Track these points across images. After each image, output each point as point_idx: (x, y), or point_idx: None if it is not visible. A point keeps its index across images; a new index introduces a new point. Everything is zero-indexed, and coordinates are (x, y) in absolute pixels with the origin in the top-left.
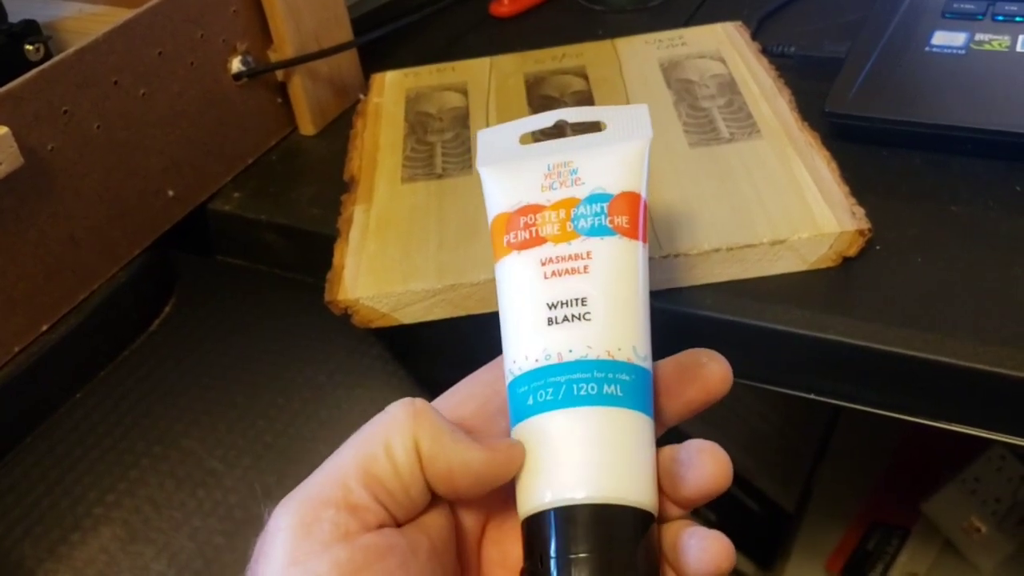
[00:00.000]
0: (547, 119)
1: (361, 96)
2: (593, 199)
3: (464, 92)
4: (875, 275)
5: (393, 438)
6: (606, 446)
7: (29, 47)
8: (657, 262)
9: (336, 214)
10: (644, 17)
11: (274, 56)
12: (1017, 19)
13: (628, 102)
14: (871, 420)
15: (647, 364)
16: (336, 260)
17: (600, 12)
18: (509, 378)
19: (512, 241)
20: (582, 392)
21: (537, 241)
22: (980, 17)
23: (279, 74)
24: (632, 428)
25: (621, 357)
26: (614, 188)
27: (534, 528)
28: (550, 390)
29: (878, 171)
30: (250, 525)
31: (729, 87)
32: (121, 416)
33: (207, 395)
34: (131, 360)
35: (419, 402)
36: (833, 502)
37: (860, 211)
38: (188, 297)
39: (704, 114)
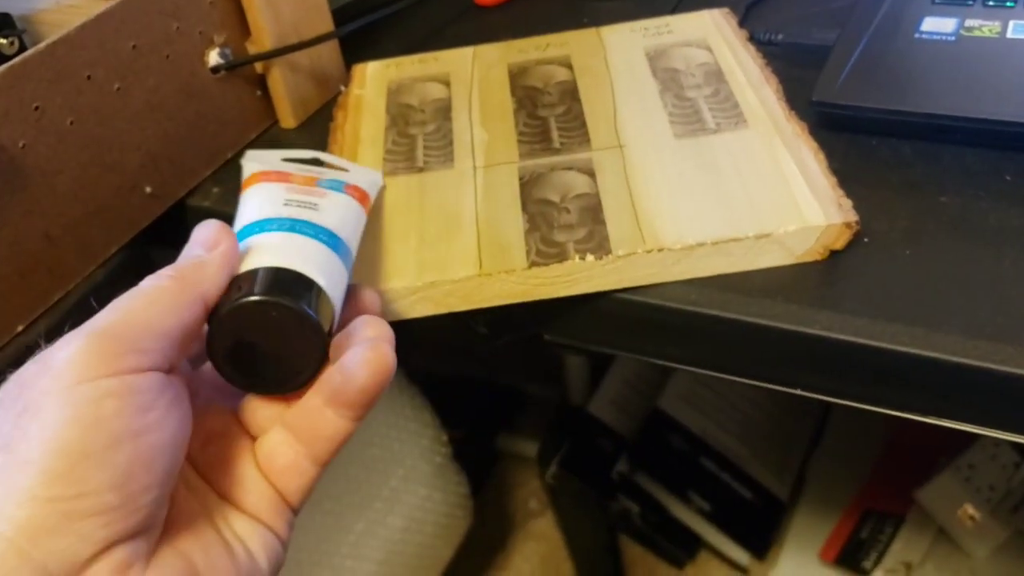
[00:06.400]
0: (307, 154)
1: (342, 88)
2: (333, 181)
3: (447, 83)
4: (863, 269)
5: (175, 300)
6: (291, 245)
7: (3, 40)
8: (641, 257)
9: None
10: (630, 5)
11: (252, 48)
12: (1008, 4)
13: (613, 92)
14: (864, 409)
15: (349, 252)
16: None
17: None
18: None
19: (262, 179)
20: (294, 224)
21: (286, 179)
22: (970, 3)
23: (258, 66)
24: (318, 248)
25: (332, 229)
26: (349, 180)
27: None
28: (269, 224)
29: (866, 161)
30: None
31: (716, 76)
32: None
33: None
34: None
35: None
36: (827, 490)
37: (847, 203)
38: None
39: (690, 104)
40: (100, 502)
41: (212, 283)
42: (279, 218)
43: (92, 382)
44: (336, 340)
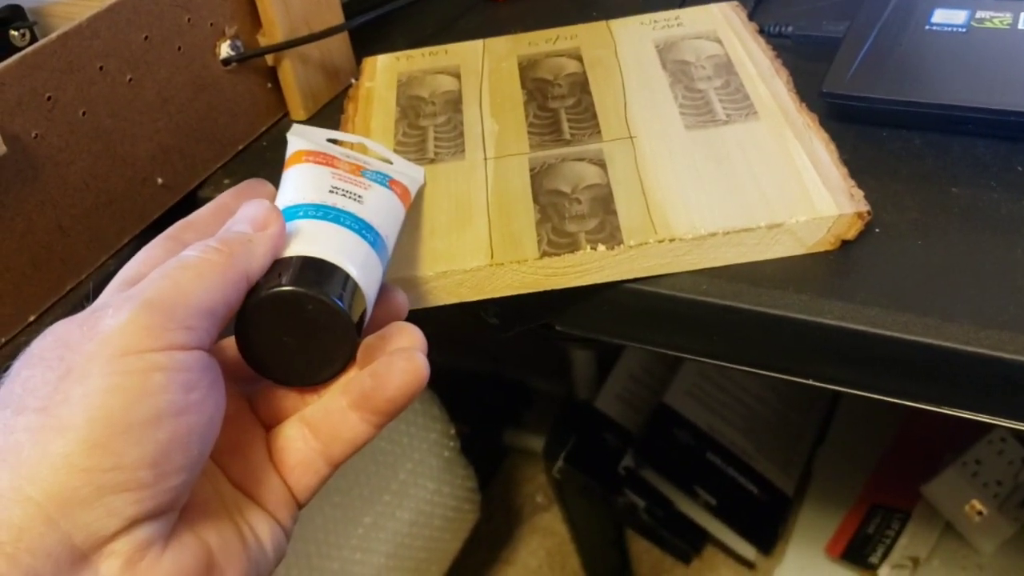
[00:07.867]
0: (353, 138)
1: (352, 80)
2: (379, 173)
3: (457, 75)
4: (874, 259)
5: (208, 281)
6: (332, 236)
7: (14, 32)
8: (652, 247)
9: None
10: None
11: (263, 40)
12: None
13: (623, 84)
14: (872, 403)
15: (387, 249)
16: None
17: None
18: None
19: (309, 159)
20: (339, 214)
21: (331, 163)
22: None
23: (269, 58)
24: (358, 243)
25: (374, 225)
26: (393, 175)
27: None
28: (313, 211)
29: (877, 153)
30: None
31: (726, 68)
32: None
33: None
34: None
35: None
36: (833, 485)
37: (859, 193)
38: None
39: (700, 96)
40: (134, 478)
41: (258, 264)
42: (324, 205)
43: (140, 354)
44: (368, 342)
